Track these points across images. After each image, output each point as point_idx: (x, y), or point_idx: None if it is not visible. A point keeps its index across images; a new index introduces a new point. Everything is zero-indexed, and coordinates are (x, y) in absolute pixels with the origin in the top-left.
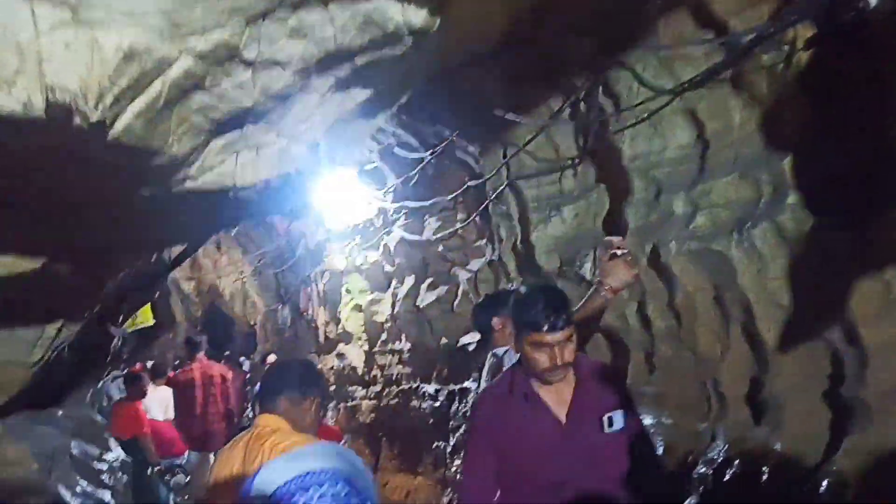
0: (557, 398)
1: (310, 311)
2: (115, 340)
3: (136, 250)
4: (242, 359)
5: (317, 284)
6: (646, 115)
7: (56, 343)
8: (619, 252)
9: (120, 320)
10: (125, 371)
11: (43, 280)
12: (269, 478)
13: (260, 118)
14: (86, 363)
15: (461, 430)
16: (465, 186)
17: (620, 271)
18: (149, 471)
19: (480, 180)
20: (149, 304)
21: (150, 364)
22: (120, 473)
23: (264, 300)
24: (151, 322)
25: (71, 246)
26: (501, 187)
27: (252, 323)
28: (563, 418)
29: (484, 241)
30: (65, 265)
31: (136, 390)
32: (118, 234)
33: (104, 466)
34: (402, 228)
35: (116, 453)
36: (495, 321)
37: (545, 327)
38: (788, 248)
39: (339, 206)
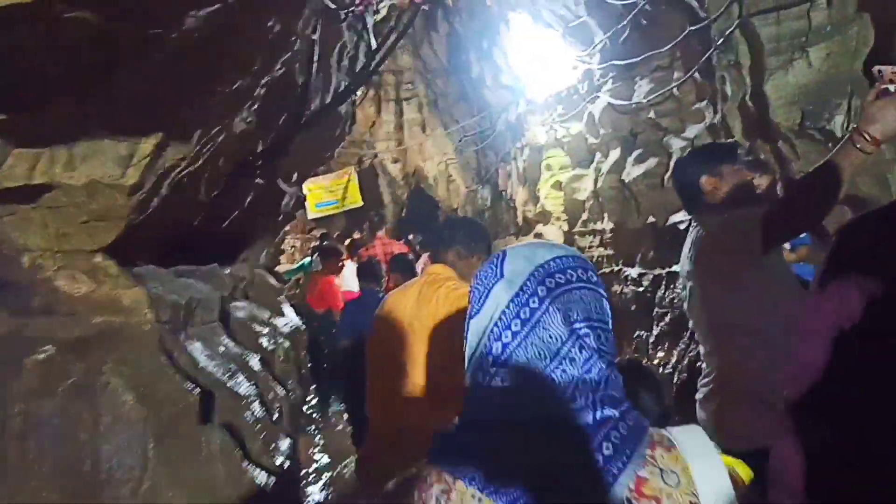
0: None
1: (509, 191)
2: (288, 199)
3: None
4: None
5: (516, 161)
6: None
7: (160, 165)
8: (892, 87)
9: (294, 179)
10: (323, 244)
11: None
12: (520, 265)
13: None
14: (252, 220)
15: (667, 319)
16: (686, 32)
17: (891, 114)
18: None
19: (704, 22)
20: (357, 184)
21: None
22: (282, 339)
23: (465, 181)
24: (360, 203)
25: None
26: (731, 28)
27: (454, 207)
28: None
29: (704, 102)
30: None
31: (332, 265)
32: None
33: (265, 330)
34: (608, 94)
35: (288, 319)
36: (704, 180)
37: None
38: None
39: (540, 72)
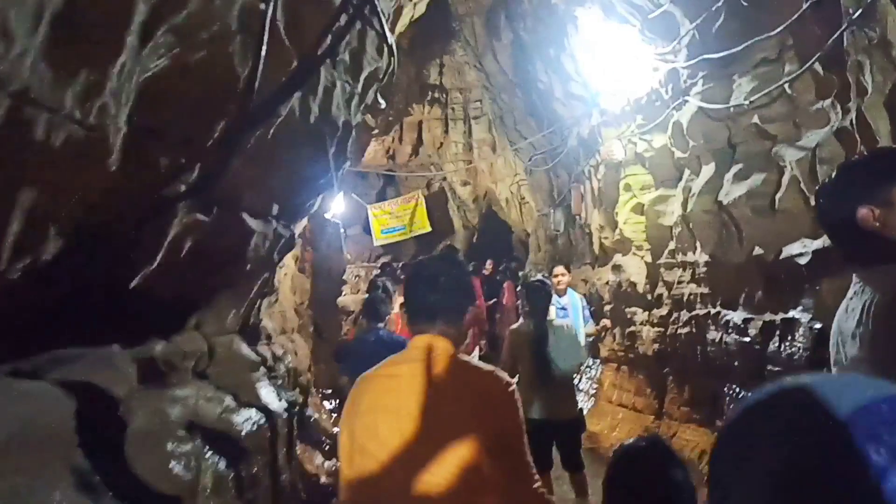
0: None
1: (583, 214)
2: (263, 240)
3: None
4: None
5: (590, 181)
6: None
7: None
8: None
9: (274, 212)
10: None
11: None
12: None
13: None
14: (201, 272)
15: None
16: (805, 8)
17: None
18: None
19: None
20: (424, 208)
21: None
22: (218, 457)
23: (536, 203)
24: (429, 228)
25: None
26: None
27: (528, 231)
28: None
29: (829, 99)
30: None
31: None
32: None
33: (188, 446)
34: (699, 97)
35: (249, 415)
36: (865, 213)
37: None
38: None
39: (616, 76)
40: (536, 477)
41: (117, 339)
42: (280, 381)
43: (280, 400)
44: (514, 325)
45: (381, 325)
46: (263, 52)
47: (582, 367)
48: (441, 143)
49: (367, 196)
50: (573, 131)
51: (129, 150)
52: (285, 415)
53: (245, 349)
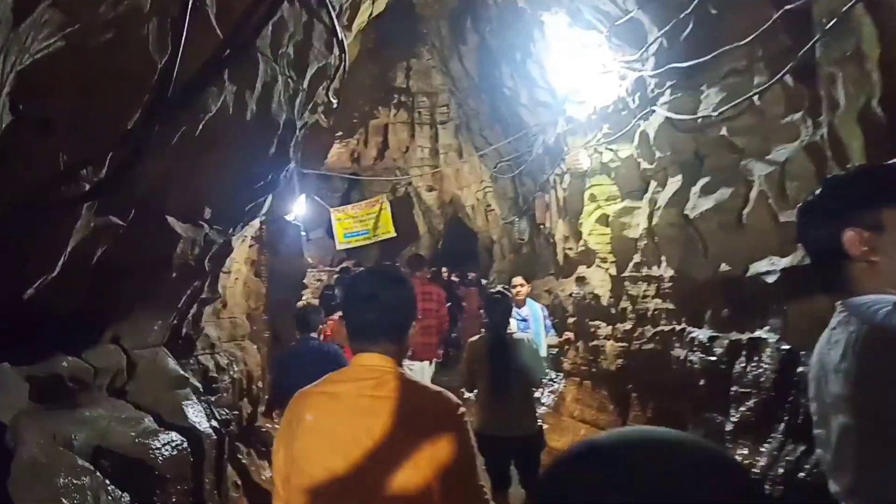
0: None
1: (548, 224)
2: (188, 245)
3: None
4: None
5: (555, 190)
6: None
7: None
8: None
9: (207, 215)
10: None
11: None
12: None
13: None
14: (117, 280)
15: (749, 403)
16: (775, 18)
17: None
18: None
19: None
20: (389, 213)
21: None
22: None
23: (502, 211)
24: (393, 233)
25: None
26: (849, 3)
27: (493, 238)
28: None
29: (799, 113)
30: None
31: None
32: None
33: (83, 480)
34: (666, 107)
35: (171, 437)
36: (850, 236)
37: None
38: None
39: (583, 83)
40: (488, 499)
41: (6, 357)
42: (223, 394)
43: (210, 420)
44: (474, 338)
45: (313, 334)
46: (183, 38)
47: (543, 382)
48: (407, 148)
49: (330, 199)
50: (539, 139)
51: (8, 144)
52: (215, 436)
53: (171, 364)
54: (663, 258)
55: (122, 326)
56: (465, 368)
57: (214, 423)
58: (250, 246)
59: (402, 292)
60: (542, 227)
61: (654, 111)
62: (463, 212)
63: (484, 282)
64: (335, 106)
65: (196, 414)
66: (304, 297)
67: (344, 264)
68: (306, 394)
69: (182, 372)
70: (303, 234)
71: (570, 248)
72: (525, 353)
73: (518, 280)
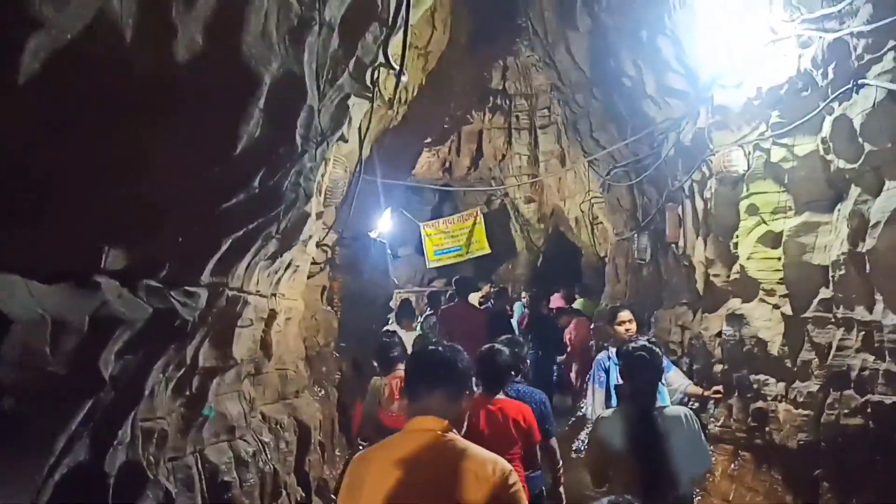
0: None
1: (681, 242)
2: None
3: None
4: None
5: (692, 200)
6: None
7: None
8: None
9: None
10: None
11: None
12: None
13: None
14: None
15: None
16: None
17: None
18: None
19: None
20: (483, 227)
21: None
22: None
23: (614, 225)
24: (488, 249)
25: None
26: None
27: (601, 256)
28: None
29: None
30: None
31: None
32: None
33: None
34: (886, 77)
35: None
36: None
37: None
38: None
39: (740, 60)
40: None
41: None
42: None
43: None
44: (605, 412)
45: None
46: None
47: (708, 477)
48: (503, 155)
49: (420, 213)
50: (669, 137)
51: None
52: None
53: None
54: (878, 296)
55: None
56: (593, 456)
57: None
58: (319, 271)
59: (459, 361)
60: (672, 246)
61: (861, 86)
62: (565, 225)
63: (597, 310)
64: (401, 76)
65: None
66: (390, 321)
67: (435, 285)
68: (364, 458)
69: None
70: (388, 252)
71: (716, 275)
72: (683, 437)
73: (626, 315)
